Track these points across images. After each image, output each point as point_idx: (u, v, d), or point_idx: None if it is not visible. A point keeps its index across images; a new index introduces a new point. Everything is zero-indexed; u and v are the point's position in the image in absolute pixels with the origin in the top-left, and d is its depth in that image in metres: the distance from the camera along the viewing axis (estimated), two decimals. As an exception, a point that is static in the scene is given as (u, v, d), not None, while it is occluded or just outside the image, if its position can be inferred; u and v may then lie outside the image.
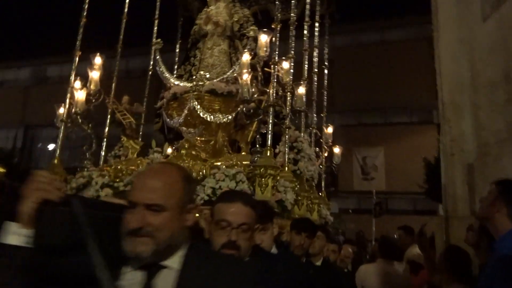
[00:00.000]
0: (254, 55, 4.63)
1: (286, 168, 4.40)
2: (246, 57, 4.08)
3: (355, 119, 19.19)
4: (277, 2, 4.80)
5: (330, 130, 5.90)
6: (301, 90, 4.13)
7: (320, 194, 5.81)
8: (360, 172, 18.29)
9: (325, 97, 6.24)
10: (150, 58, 5.78)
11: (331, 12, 6.51)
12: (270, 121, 3.93)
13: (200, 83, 4.97)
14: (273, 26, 4.53)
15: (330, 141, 5.85)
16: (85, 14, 4.84)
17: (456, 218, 3.12)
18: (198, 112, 4.87)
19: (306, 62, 5.57)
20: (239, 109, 4.49)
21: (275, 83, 3.99)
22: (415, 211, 16.48)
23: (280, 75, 4.13)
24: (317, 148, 5.79)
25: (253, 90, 3.99)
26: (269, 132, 3.93)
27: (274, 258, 1.92)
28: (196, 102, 4.86)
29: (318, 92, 5.94)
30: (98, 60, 4.76)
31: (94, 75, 4.59)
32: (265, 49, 4.21)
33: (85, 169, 4.40)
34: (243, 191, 1.63)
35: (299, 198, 4.59)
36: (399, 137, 17.44)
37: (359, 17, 18.12)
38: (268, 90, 3.96)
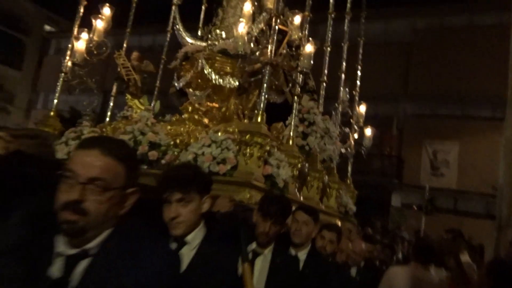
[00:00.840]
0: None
1: (291, 141, 3.83)
2: (248, 7, 3.53)
3: (430, 108, 17.47)
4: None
5: (362, 109, 5.13)
6: (309, 48, 3.48)
7: (346, 180, 5.13)
8: (429, 167, 16.75)
9: (359, 72, 5.45)
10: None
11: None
12: (266, 82, 3.36)
13: (215, 42, 4.52)
14: None
15: (361, 121, 5.09)
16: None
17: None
18: (207, 74, 4.43)
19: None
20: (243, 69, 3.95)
21: (276, 36, 3.38)
22: (487, 215, 14.74)
23: (289, 30, 3.52)
24: (347, 129, 5.10)
25: (253, 46, 3.43)
26: (263, 94, 3.36)
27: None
28: (204, 62, 4.41)
29: (349, 66, 5.21)
30: (106, 10, 4.49)
31: (99, 24, 4.32)
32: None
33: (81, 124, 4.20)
34: (117, 139, 1.15)
35: (307, 178, 4.01)
36: (478, 132, 15.59)
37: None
38: (268, 46, 3.37)
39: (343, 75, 5.17)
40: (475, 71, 15.34)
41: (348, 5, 5.32)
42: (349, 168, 5.20)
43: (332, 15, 4.61)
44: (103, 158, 1.04)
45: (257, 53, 3.57)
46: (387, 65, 16.24)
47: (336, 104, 4.95)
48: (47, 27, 24.36)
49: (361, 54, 5.56)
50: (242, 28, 3.35)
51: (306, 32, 3.83)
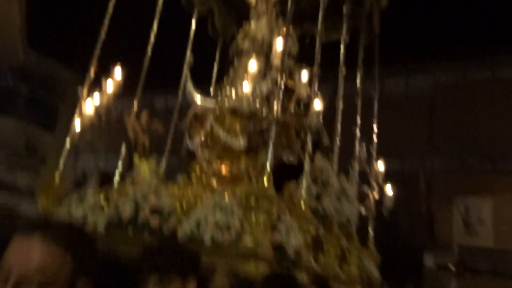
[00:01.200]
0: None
1: (303, 204, 3.54)
2: (253, 65, 3.42)
3: (458, 163, 16.80)
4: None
5: (381, 167, 4.81)
6: (317, 104, 3.29)
7: (367, 244, 4.72)
8: (462, 224, 15.80)
9: (375, 125, 5.21)
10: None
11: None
12: (271, 140, 3.16)
13: (225, 101, 4.42)
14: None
15: (381, 179, 4.76)
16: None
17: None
18: (217, 133, 4.29)
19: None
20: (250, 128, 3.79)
21: (283, 94, 3.22)
22: (532, 277, 13.54)
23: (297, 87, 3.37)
24: (367, 188, 4.77)
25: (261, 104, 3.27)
26: (269, 153, 3.15)
27: None
28: (214, 121, 4.29)
29: (364, 122, 5.00)
30: (118, 71, 4.47)
31: (109, 86, 4.29)
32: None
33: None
34: (63, 222, 0.96)
35: (323, 244, 3.67)
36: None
37: (467, 53, 16.16)
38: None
39: (358, 131, 4.94)
40: (504, 124, 14.84)
41: (360, 60, 5.22)
42: (371, 231, 4.80)
43: (343, 71, 4.48)
44: (43, 248, 0.84)
45: (264, 112, 3.41)
46: (411, 120, 15.93)
47: (352, 161, 4.68)
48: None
49: (382, 110, 5.37)
50: (246, 86, 3.22)
51: (316, 88, 3.67)
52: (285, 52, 3.35)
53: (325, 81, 4.39)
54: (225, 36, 6.24)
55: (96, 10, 4.91)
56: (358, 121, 5.01)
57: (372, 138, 5.11)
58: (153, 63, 5.47)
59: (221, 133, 4.29)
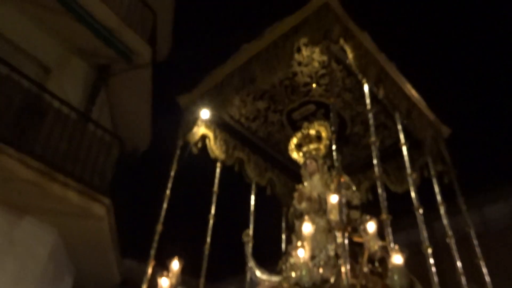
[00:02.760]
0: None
1: None
2: (307, 228, 2.95)
3: None
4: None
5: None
6: (398, 259, 2.62)
7: None
8: None
9: (483, 265, 4.17)
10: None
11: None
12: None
13: (291, 274, 3.84)
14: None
15: None
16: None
17: None
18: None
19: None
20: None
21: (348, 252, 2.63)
22: None
23: (366, 241, 2.80)
24: None
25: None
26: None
27: None
28: (282, 301, 3.65)
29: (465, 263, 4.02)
30: (175, 265, 4.22)
31: (164, 283, 3.97)
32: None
33: None
34: None
35: None
36: None
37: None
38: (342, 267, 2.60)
39: (463, 278, 3.96)
40: None
41: (438, 197, 4.58)
42: None
43: (420, 210, 3.83)
44: None
45: (331, 279, 2.80)
46: None
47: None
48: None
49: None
50: (302, 254, 2.72)
51: (390, 237, 3.04)
52: (341, 206, 2.90)
53: (403, 228, 3.76)
54: (289, 203, 6.00)
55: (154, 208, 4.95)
56: (459, 264, 4.09)
57: (481, 280, 4.09)
58: (216, 248, 5.22)
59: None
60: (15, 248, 6.09)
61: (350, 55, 4.20)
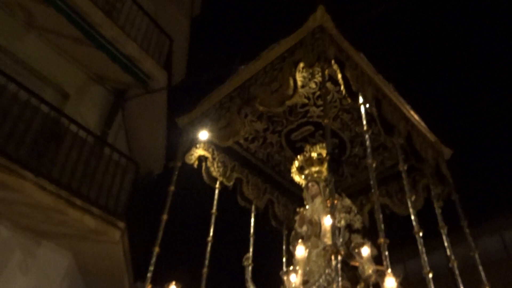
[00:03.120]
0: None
1: None
2: (300, 252, 2.88)
3: None
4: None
5: None
6: (391, 282, 2.52)
7: None
8: None
9: None
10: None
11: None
12: None
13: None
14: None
15: None
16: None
17: None
18: None
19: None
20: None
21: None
22: None
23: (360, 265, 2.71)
24: None
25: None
26: None
27: None
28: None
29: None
30: (173, 288, 4.13)
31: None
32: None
33: None
34: None
35: None
36: None
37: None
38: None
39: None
40: None
41: (440, 221, 4.48)
42: None
43: (420, 235, 3.72)
44: None
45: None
46: None
47: None
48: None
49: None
50: (294, 279, 2.65)
51: (387, 262, 2.95)
52: (333, 228, 2.83)
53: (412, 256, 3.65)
54: (290, 225, 5.91)
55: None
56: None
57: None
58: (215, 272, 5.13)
59: None
60: (30, 272, 6.09)
61: (347, 74, 4.18)
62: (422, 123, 5.20)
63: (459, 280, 4.13)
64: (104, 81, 8.45)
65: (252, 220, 5.59)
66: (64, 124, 6.71)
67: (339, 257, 2.68)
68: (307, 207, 4.87)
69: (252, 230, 5.47)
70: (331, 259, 3.18)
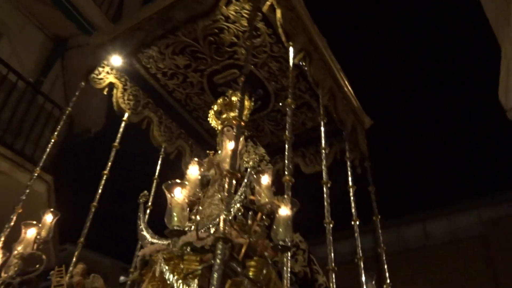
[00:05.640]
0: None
1: None
2: (195, 172, 2.57)
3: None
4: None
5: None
6: (284, 211, 2.31)
7: None
8: None
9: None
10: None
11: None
12: (218, 262, 2.09)
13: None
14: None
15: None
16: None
17: None
18: (168, 279, 3.19)
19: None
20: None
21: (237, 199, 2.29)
22: None
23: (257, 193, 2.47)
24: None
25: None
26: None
27: None
28: (164, 264, 3.23)
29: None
30: (49, 218, 3.69)
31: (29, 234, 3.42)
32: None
33: None
34: None
35: None
36: None
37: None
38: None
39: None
40: None
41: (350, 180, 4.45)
42: None
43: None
44: None
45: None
46: (462, 265, 13.81)
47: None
48: (122, 278, 23.60)
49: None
50: (179, 195, 2.33)
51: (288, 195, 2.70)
52: (235, 153, 2.55)
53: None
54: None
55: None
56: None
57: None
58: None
59: (174, 279, 3.18)
60: None
61: (279, 13, 3.90)
62: (349, 87, 5.10)
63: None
64: (43, 25, 7.87)
65: (160, 162, 5.20)
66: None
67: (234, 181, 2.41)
68: (219, 152, 4.58)
69: (157, 173, 5.09)
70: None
